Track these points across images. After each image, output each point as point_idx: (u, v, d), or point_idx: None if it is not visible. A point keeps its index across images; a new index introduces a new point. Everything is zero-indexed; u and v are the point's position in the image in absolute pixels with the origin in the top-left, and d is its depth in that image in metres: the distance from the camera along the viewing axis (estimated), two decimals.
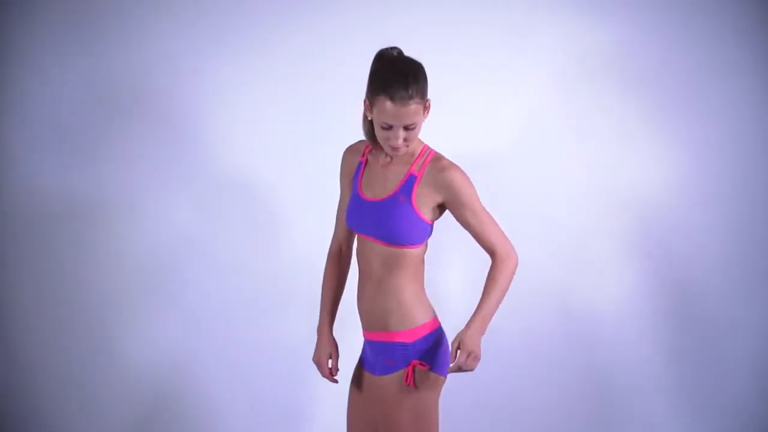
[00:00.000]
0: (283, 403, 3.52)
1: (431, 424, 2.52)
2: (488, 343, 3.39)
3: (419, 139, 2.54)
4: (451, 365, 2.45)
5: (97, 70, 3.35)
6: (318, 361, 2.70)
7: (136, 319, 3.45)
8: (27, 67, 3.33)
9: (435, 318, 2.57)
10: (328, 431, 3.48)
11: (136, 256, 3.43)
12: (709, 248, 3.53)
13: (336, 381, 2.71)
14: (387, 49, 2.48)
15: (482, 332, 2.48)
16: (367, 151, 2.63)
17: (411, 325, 2.51)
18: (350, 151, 2.68)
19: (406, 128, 2.41)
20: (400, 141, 2.42)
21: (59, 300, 3.43)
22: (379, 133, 2.45)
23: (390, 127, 2.41)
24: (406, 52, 2.48)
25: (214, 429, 3.50)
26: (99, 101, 3.37)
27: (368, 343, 2.61)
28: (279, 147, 3.43)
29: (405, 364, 2.49)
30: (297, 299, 3.48)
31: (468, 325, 2.47)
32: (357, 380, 2.68)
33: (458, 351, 2.43)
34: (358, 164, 2.63)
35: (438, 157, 2.50)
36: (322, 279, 2.71)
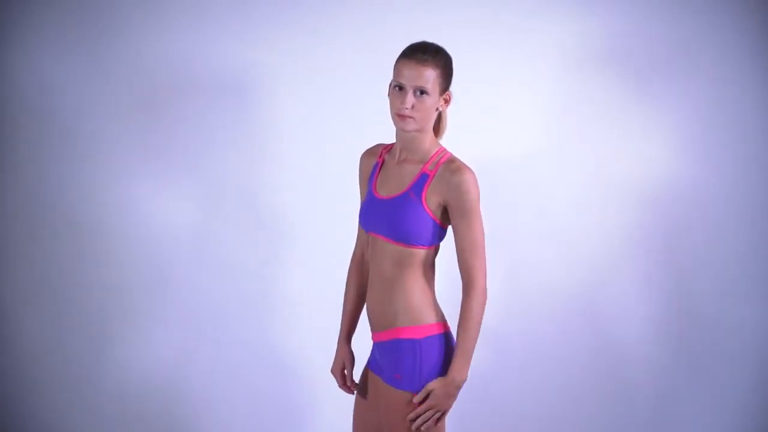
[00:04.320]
0: (284, 404, 3.52)
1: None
2: (493, 344, 3.43)
3: (435, 140, 2.55)
4: (412, 414, 2.47)
5: (97, 70, 3.33)
6: (333, 371, 2.78)
7: (136, 319, 3.45)
8: (27, 67, 3.31)
9: (445, 323, 2.56)
10: None
11: (136, 256, 3.42)
12: (714, 246, 3.54)
13: (352, 392, 2.76)
14: None
15: (464, 375, 2.48)
16: (384, 152, 2.64)
17: (420, 322, 2.50)
18: (367, 154, 2.71)
19: (417, 93, 2.42)
20: (408, 105, 2.41)
21: (59, 300, 3.41)
22: (392, 103, 2.45)
23: (402, 88, 2.43)
24: None
25: (214, 430, 3.48)
26: (99, 101, 3.35)
27: (376, 345, 2.62)
28: (282, 147, 3.42)
29: (412, 385, 2.48)
30: (298, 300, 3.49)
31: (447, 373, 2.47)
32: (363, 383, 2.70)
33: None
34: (374, 165, 2.65)
35: (453, 159, 2.50)
36: (345, 284, 2.78)
